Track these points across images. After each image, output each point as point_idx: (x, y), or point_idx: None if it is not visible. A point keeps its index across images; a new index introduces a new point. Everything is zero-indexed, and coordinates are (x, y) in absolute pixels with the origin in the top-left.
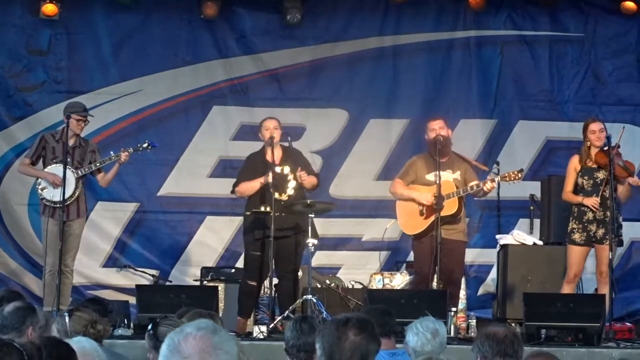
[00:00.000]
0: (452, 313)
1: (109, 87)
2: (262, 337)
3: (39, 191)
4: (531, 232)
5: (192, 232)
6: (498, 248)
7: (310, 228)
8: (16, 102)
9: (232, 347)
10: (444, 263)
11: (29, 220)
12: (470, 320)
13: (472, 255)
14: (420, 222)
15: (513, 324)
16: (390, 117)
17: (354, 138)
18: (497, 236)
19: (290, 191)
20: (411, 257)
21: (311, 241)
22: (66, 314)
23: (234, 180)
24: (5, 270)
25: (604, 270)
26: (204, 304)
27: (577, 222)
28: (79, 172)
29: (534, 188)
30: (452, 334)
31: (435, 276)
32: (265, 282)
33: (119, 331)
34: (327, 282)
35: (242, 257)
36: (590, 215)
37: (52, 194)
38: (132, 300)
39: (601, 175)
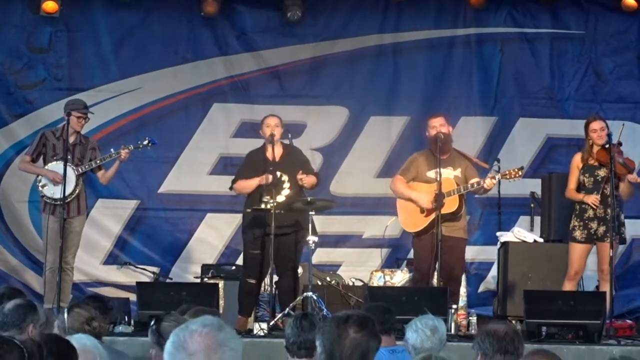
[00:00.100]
0: (453, 310)
1: (110, 84)
2: (262, 334)
3: (40, 188)
4: (532, 230)
5: (192, 229)
6: (499, 245)
7: (310, 225)
8: (16, 99)
9: (238, 344)
10: (444, 260)
11: (29, 218)
12: (470, 318)
13: (472, 253)
14: (420, 219)
15: (513, 322)
16: (391, 115)
17: (355, 135)
18: (498, 233)
19: (280, 198)
20: (412, 254)
21: (311, 238)
22: (66, 310)
23: (234, 177)
24: (6, 268)
25: (605, 268)
26: (205, 302)
27: (578, 220)
28: (80, 169)
29: (535, 185)
30: (452, 331)
31: (436, 273)
32: (265, 279)
33: (120, 328)
34: (328, 279)
35: (242, 255)
36: (590, 212)
37: (53, 191)
38: (133, 297)
39: (602, 172)
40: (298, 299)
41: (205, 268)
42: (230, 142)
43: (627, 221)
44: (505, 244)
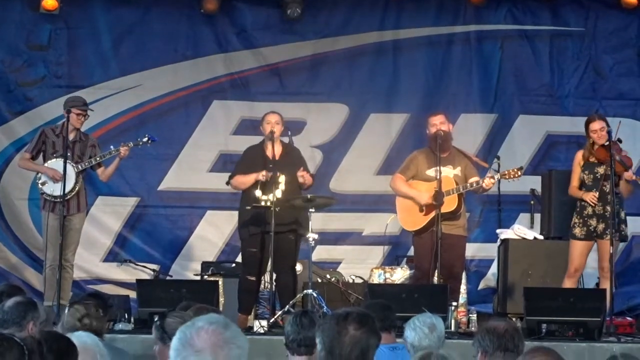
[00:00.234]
0: (453, 308)
1: (109, 81)
2: (262, 331)
3: (39, 186)
4: (532, 227)
5: (192, 226)
6: (499, 242)
7: (305, 222)
8: (16, 96)
9: (244, 342)
10: (444, 258)
11: (29, 215)
12: (470, 315)
13: (472, 250)
14: (419, 218)
15: (514, 319)
16: (391, 112)
17: (355, 133)
18: (498, 231)
19: (273, 197)
20: (412, 251)
21: (311, 236)
22: (67, 308)
23: (232, 173)
24: (6, 265)
25: (605, 265)
26: (205, 299)
27: (578, 217)
28: (79, 166)
29: (535, 182)
30: (452, 328)
31: (436, 271)
32: (265, 277)
33: (120, 326)
34: (328, 276)
35: (240, 252)
36: (589, 210)
37: (53, 189)
38: (133, 294)
39: (601, 170)
40: (298, 296)
41: (205, 265)
42: (230, 140)
43: (627, 218)
44: (505, 241)
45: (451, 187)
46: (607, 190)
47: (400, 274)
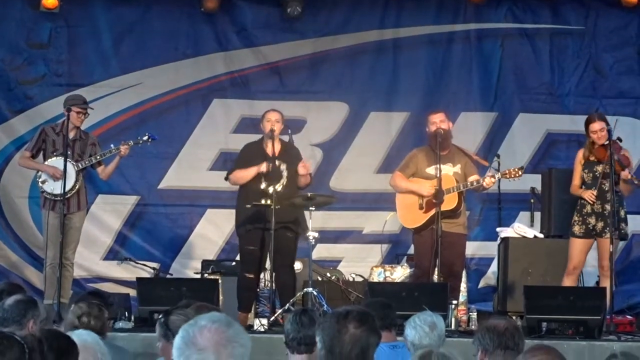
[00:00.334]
0: (453, 306)
1: (110, 80)
2: (262, 330)
3: (40, 184)
4: (532, 225)
5: (192, 225)
6: (499, 241)
7: (303, 221)
8: (17, 95)
9: (247, 341)
10: (444, 256)
11: (29, 213)
12: (471, 313)
13: (472, 248)
14: (419, 215)
15: (514, 317)
16: (391, 110)
17: (355, 131)
18: (498, 229)
19: (278, 187)
20: (412, 250)
21: (312, 234)
22: (73, 306)
23: (230, 168)
24: (6, 263)
25: (605, 264)
26: (205, 297)
27: (578, 215)
28: (80, 164)
29: (535, 181)
30: (452, 326)
31: (436, 269)
32: (266, 275)
33: (120, 324)
34: (328, 274)
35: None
36: (588, 208)
37: (53, 187)
38: (133, 293)
39: (600, 168)
40: (298, 294)
41: (206, 264)
42: (230, 138)
43: (628, 217)
44: (505, 240)
45: (451, 185)
46: (607, 189)
47: (400, 273)
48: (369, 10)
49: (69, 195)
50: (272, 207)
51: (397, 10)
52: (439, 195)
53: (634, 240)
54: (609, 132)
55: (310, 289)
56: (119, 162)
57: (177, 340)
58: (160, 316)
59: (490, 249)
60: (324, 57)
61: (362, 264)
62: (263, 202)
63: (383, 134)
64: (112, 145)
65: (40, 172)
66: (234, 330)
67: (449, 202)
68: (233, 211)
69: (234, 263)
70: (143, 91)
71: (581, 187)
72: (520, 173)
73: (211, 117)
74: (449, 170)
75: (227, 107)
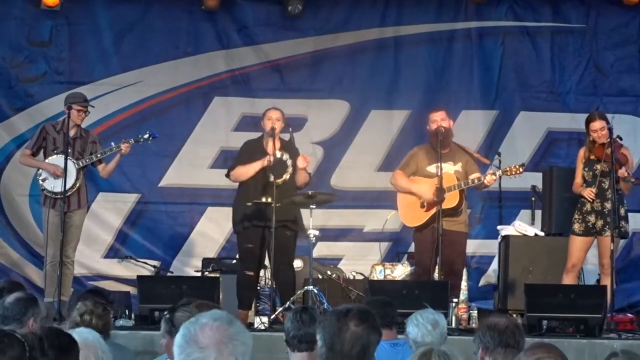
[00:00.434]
0: (454, 304)
1: (110, 78)
2: (263, 328)
3: (40, 182)
4: (533, 223)
5: (193, 223)
6: (499, 239)
7: (300, 220)
8: (17, 93)
9: (248, 338)
10: (445, 254)
11: (30, 211)
12: (471, 311)
13: (473, 246)
14: (421, 214)
15: (514, 315)
16: (392, 108)
17: (355, 129)
18: (499, 227)
19: (286, 176)
20: (412, 248)
21: (312, 232)
22: (79, 303)
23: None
24: (7, 261)
25: (606, 262)
26: (205, 295)
27: (578, 213)
28: (80, 162)
29: (536, 179)
30: (453, 325)
31: (437, 267)
32: (266, 273)
33: (120, 322)
34: (329, 273)
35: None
36: (588, 206)
37: (53, 185)
38: (134, 291)
39: (599, 167)
40: (299, 292)
41: (206, 262)
42: (231, 136)
43: (629, 215)
44: (506, 238)
45: (452, 184)
46: (606, 187)
47: (401, 271)
48: (369, 8)
49: (69, 193)
50: (272, 204)
51: (398, 8)
52: (439, 193)
53: (634, 239)
54: (610, 130)
55: (310, 287)
56: (119, 160)
57: (178, 338)
58: (165, 312)
59: (491, 247)
60: (324, 55)
61: (362, 262)
62: (263, 200)
63: (384, 132)
64: (112, 144)
65: (40, 170)
66: (235, 328)
67: (450, 201)
68: None
69: (234, 261)
70: (144, 89)
71: (582, 186)
72: (521, 170)
73: (212, 115)
74: (450, 168)
75: (227, 105)
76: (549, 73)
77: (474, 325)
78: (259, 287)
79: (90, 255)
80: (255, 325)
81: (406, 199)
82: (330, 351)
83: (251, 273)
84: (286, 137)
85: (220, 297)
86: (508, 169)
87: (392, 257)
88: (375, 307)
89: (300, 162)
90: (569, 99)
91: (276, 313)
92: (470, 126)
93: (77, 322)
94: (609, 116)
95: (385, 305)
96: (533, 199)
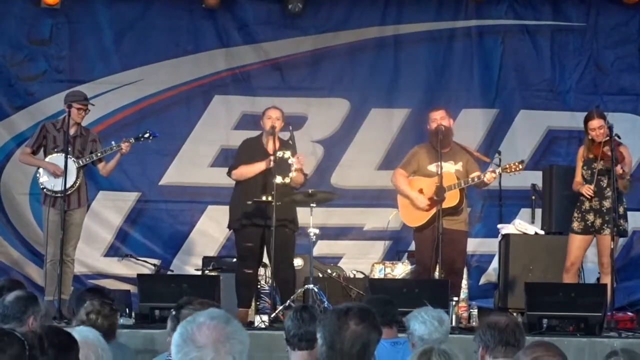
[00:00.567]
0: (454, 303)
1: (110, 76)
2: (263, 326)
3: (40, 181)
4: (533, 222)
5: (193, 221)
6: (500, 238)
7: (296, 219)
8: (17, 91)
9: (245, 337)
10: (445, 253)
11: (30, 210)
12: (471, 310)
13: (473, 245)
14: (421, 214)
15: (514, 314)
16: (392, 107)
17: (356, 127)
18: (499, 226)
19: (292, 174)
20: (412, 246)
21: (312, 231)
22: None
23: (232, 163)
24: (7, 260)
25: (605, 261)
26: (206, 294)
27: (577, 211)
28: (80, 161)
29: (536, 178)
30: (453, 323)
31: (437, 266)
32: (266, 272)
33: (121, 320)
34: (329, 271)
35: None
36: (587, 204)
37: (53, 184)
38: (134, 289)
39: (598, 165)
40: (299, 291)
41: (206, 260)
42: (231, 134)
43: (628, 213)
44: (506, 237)
45: (452, 183)
46: (604, 185)
47: (401, 269)
48: (369, 7)
49: (69, 192)
50: (272, 203)
51: (398, 6)
52: (440, 192)
53: (634, 237)
54: (610, 129)
55: (311, 286)
56: (119, 159)
57: (176, 337)
58: (171, 310)
59: (491, 245)
60: (325, 54)
61: (363, 261)
62: (264, 198)
63: (384, 130)
64: (113, 143)
65: (40, 169)
66: (233, 327)
67: (451, 200)
68: None
69: (234, 260)
70: (144, 87)
71: (582, 184)
72: (521, 167)
73: (212, 113)
74: (450, 167)
75: (228, 103)
76: (549, 72)
77: (474, 323)
78: (258, 286)
79: (91, 254)
80: (256, 324)
81: (407, 199)
82: (330, 350)
83: (250, 271)
84: (286, 135)
85: (221, 295)
86: (508, 166)
87: (392, 255)
88: (376, 306)
89: (296, 163)
90: (569, 98)
91: (276, 312)
92: (470, 125)
93: (83, 320)
94: (615, 116)
95: (386, 303)
96: (533, 197)
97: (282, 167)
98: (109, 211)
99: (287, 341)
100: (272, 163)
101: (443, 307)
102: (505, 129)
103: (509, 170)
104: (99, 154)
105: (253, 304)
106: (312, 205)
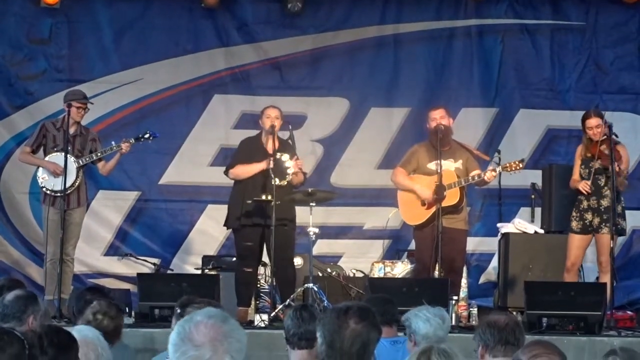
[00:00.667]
0: (454, 302)
1: (110, 75)
2: (263, 325)
3: (40, 180)
4: (532, 221)
5: (193, 220)
6: (499, 237)
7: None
8: (17, 90)
9: (242, 335)
10: (445, 252)
11: (30, 209)
12: (471, 309)
13: (473, 244)
14: (421, 212)
15: (514, 313)
16: (392, 106)
17: (355, 127)
18: (499, 225)
19: (288, 177)
20: (412, 245)
21: (312, 230)
22: (95, 302)
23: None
24: (7, 259)
25: (603, 259)
26: (205, 293)
27: (575, 211)
28: (80, 161)
29: (535, 177)
30: (453, 322)
31: (437, 265)
32: (266, 271)
33: None
34: (329, 270)
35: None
36: (585, 203)
37: (53, 183)
38: (133, 288)
39: (595, 164)
40: (299, 290)
41: (206, 259)
42: (230, 133)
43: (627, 212)
44: (505, 235)
45: (453, 181)
46: (602, 185)
47: (401, 268)
48: (369, 6)
49: (69, 191)
50: (272, 202)
51: (398, 5)
52: (440, 191)
53: (634, 236)
54: (610, 127)
55: (310, 285)
56: (119, 159)
57: (173, 336)
58: (176, 308)
59: (490, 244)
60: (324, 53)
61: (362, 260)
62: (263, 197)
63: (384, 129)
64: (113, 143)
65: (40, 168)
66: (230, 326)
67: (451, 198)
68: None
69: (234, 259)
70: (143, 87)
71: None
72: (521, 166)
73: (212, 112)
74: (450, 166)
75: (227, 102)
76: (549, 71)
77: (474, 322)
78: (258, 285)
79: (90, 253)
80: (255, 323)
81: (407, 197)
82: (330, 349)
83: (250, 269)
84: (286, 135)
85: (220, 294)
86: (508, 164)
87: (392, 254)
88: (375, 305)
89: (294, 166)
90: (569, 97)
91: (276, 311)
92: (470, 124)
93: (90, 320)
94: (614, 114)
95: (386, 302)
96: (533, 196)
97: (279, 169)
98: (108, 210)
99: (287, 340)
100: (271, 163)
101: (443, 306)
102: (505, 128)
103: (509, 169)
104: (98, 154)
105: (253, 303)
106: (311, 204)
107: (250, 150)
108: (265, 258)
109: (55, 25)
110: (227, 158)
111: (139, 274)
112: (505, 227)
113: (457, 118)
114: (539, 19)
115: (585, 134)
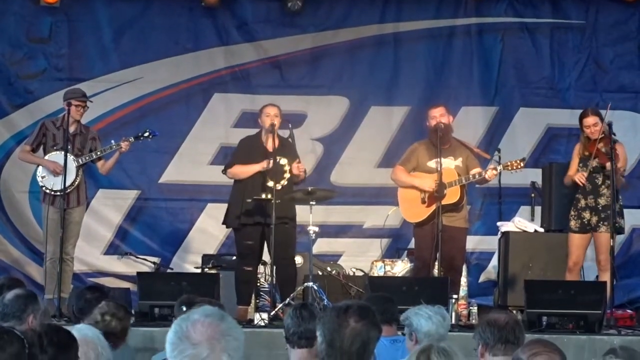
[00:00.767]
0: (453, 300)
1: (110, 74)
2: (263, 324)
3: (40, 179)
4: (532, 220)
5: (193, 219)
6: (499, 235)
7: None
8: (17, 89)
9: (240, 334)
10: (445, 250)
11: (30, 208)
12: (471, 308)
13: (473, 243)
14: (422, 210)
15: (514, 311)
16: (391, 105)
17: (355, 125)
18: (499, 223)
19: (284, 182)
20: (412, 244)
21: (312, 228)
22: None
23: (229, 162)
24: (7, 258)
25: (602, 258)
26: (205, 292)
27: (573, 209)
28: (80, 160)
29: (535, 175)
30: (453, 321)
31: (437, 263)
32: (266, 269)
33: None
34: (328, 269)
35: (235, 244)
36: (582, 202)
37: (53, 182)
38: (133, 287)
39: (593, 163)
40: (299, 288)
41: (206, 258)
42: (230, 132)
43: (627, 211)
44: (505, 234)
45: (453, 179)
46: (599, 183)
47: (400, 267)
48: (369, 5)
49: (69, 190)
50: (272, 201)
51: (398, 4)
52: (440, 188)
53: (634, 235)
54: (610, 126)
55: (310, 284)
56: (119, 158)
57: (170, 335)
58: (182, 305)
59: (490, 243)
60: (324, 52)
61: (362, 259)
62: (263, 196)
63: (384, 128)
64: (112, 141)
65: (40, 167)
66: (227, 324)
67: (451, 196)
68: None
69: (234, 257)
70: (143, 86)
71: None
72: (522, 164)
73: (212, 111)
74: (450, 163)
75: (227, 101)
76: (549, 69)
77: (473, 321)
78: (258, 283)
79: (90, 252)
80: (255, 322)
81: (407, 194)
82: (330, 347)
83: (250, 268)
84: (286, 133)
85: (220, 293)
86: (509, 163)
87: (392, 253)
88: (375, 304)
89: (294, 170)
90: (569, 95)
91: (276, 309)
92: (469, 122)
93: (97, 320)
94: (618, 113)
95: (385, 301)
96: (533, 195)
97: (277, 172)
98: (108, 209)
99: (287, 339)
100: (271, 164)
101: (443, 305)
102: (505, 126)
103: (510, 168)
104: (98, 153)
105: (253, 301)
106: (311, 203)
107: (250, 149)
108: (266, 257)
109: (55, 24)
110: (227, 157)
111: (138, 273)
112: (505, 226)
113: (457, 117)
114: (538, 18)
115: (583, 132)
